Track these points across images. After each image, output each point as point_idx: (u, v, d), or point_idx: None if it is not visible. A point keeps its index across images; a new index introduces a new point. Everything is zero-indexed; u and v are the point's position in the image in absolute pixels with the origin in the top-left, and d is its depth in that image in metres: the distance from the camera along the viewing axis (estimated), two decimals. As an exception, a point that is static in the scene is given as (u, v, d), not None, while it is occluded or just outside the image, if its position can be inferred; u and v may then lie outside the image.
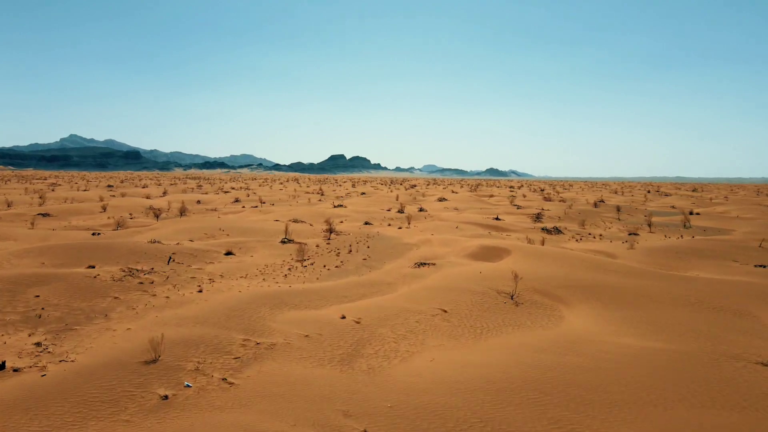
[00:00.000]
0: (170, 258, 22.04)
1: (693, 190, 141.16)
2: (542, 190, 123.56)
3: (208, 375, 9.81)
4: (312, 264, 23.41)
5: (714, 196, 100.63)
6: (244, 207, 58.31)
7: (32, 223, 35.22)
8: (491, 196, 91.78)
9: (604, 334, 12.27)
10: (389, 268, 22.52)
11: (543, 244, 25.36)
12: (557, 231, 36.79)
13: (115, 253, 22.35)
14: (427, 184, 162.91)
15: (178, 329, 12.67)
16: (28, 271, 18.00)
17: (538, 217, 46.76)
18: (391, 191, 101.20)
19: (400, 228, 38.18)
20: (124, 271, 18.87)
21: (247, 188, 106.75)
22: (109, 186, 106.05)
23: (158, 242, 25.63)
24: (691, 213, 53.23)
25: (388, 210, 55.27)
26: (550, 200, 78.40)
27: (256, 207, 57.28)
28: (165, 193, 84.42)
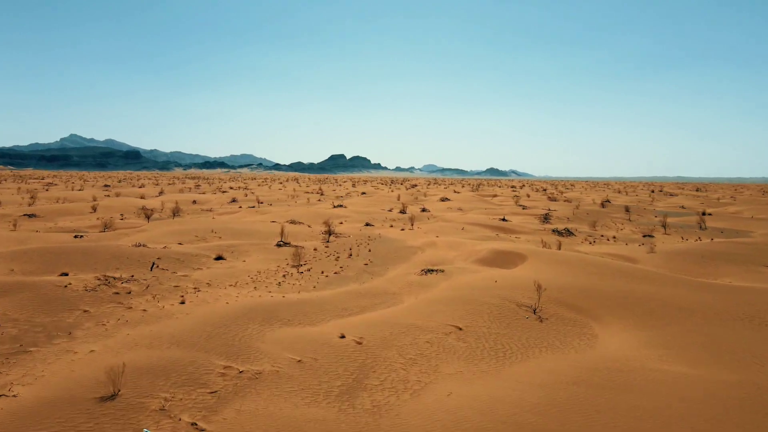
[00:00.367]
0: (153, 264, 20.18)
1: (697, 190, 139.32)
2: (545, 190, 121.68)
3: (175, 418, 7.95)
4: (309, 270, 21.55)
5: (721, 196, 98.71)
6: (240, 207, 56.47)
7: (15, 225, 33.36)
8: (494, 196, 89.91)
9: (651, 360, 10.40)
10: (393, 274, 20.66)
11: (559, 248, 23.50)
12: (569, 233, 34.92)
13: (95, 259, 20.49)
14: (428, 184, 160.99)
15: (149, 352, 10.82)
16: (-9, 279, 16.17)
17: (546, 218, 44.90)
18: (392, 191, 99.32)
19: (402, 229, 36.32)
20: (99, 279, 17.01)
21: (246, 188, 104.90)
22: (105, 186, 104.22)
23: (144, 246, 23.79)
24: (703, 214, 51.36)
25: (390, 210, 53.41)
26: (555, 200, 76.54)
27: (253, 207, 55.42)
28: (161, 192, 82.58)
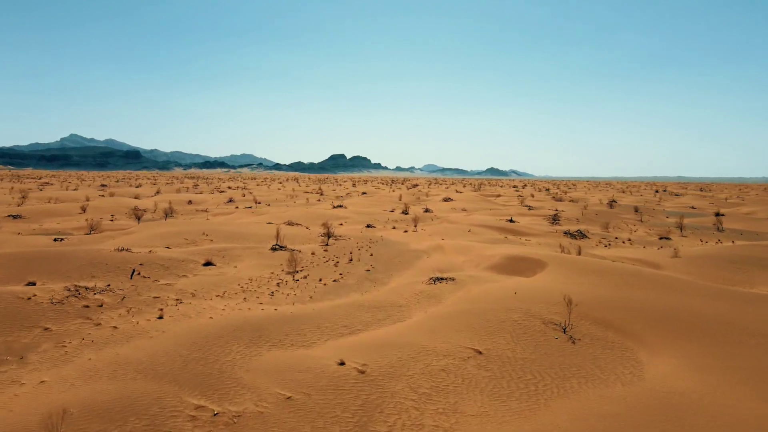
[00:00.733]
0: (134, 271, 18.31)
1: (701, 190, 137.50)
2: (548, 190, 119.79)
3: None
4: (305, 277, 19.67)
5: (728, 196, 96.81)
6: (237, 207, 54.61)
7: (-5, 227, 31.52)
8: (498, 196, 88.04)
9: (721, 396, 8.54)
10: (398, 283, 18.78)
11: (579, 253, 21.61)
12: (581, 235, 33.04)
13: (70, 265, 18.60)
14: (429, 184, 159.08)
15: (108, 386, 8.96)
16: (-55, 291, 14.32)
17: (554, 219, 43.02)
18: (393, 191, 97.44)
19: (406, 231, 34.45)
20: (69, 289, 15.13)
21: (245, 188, 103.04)
22: (102, 185, 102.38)
23: (127, 250, 21.90)
24: (717, 214, 49.47)
25: (392, 211, 51.55)
26: (560, 200, 74.66)
27: (250, 208, 53.56)
28: (158, 192, 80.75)
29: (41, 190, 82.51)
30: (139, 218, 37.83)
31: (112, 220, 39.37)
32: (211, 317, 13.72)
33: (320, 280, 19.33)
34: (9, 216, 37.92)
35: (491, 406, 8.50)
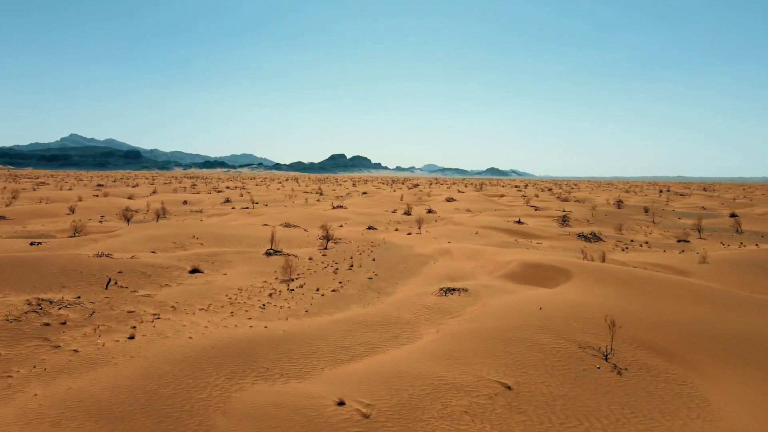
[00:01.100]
0: (110, 280, 16.42)
1: (704, 190, 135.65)
2: (550, 190, 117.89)
3: None
4: (301, 286, 17.79)
5: (735, 197, 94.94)
6: (234, 208, 52.76)
7: (-27, 229, 29.66)
8: (502, 196, 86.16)
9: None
10: (404, 293, 16.90)
11: (603, 260, 19.72)
12: (596, 238, 31.16)
13: (39, 274, 16.72)
14: (430, 184, 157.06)
15: (47, 436, 7.11)
16: None
17: (564, 221, 41.16)
18: (394, 191, 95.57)
19: (409, 234, 32.59)
20: (30, 303, 13.27)
21: (243, 188, 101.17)
22: (99, 185, 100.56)
23: (107, 256, 20.03)
24: (732, 215, 47.61)
25: (393, 211, 49.68)
26: (566, 201, 72.81)
27: (246, 209, 51.70)
28: (154, 192, 78.92)
29: (35, 190, 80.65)
30: (128, 220, 35.98)
31: (100, 222, 37.53)
32: (190, 337, 11.86)
33: (317, 289, 17.46)
34: (-8, 217, 36.07)
35: (532, 468, 6.63)
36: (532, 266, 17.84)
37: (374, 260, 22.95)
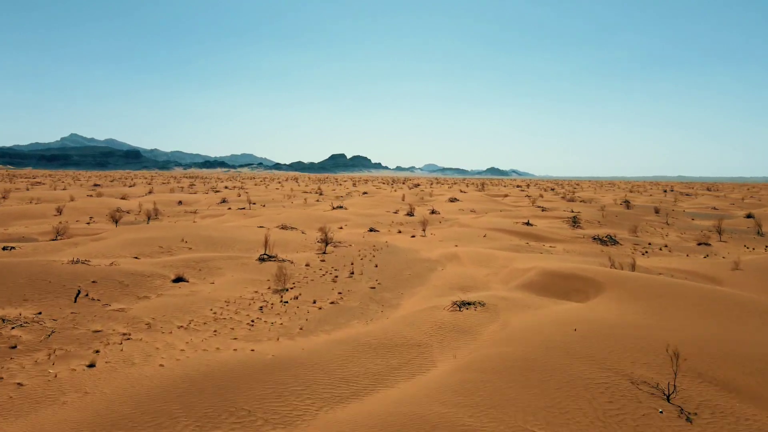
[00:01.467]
0: (79, 292, 14.55)
1: (707, 190, 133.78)
2: (553, 190, 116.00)
3: None
4: (296, 298, 15.91)
5: (743, 196, 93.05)
6: (230, 208, 50.89)
7: (-51, 231, 27.79)
8: (506, 196, 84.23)
9: None
10: (411, 306, 15.02)
11: (634, 268, 17.83)
12: (612, 241, 29.27)
13: (3, 284, 14.85)
14: (431, 184, 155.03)
15: None
16: None
17: (575, 222, 39.27)
18: (395, 191, 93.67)
19: (413, 236, 30.73)
20: (-22, 322, 11.40)
21: (241, 187, 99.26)
22: (95, 185, 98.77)
23: (84, 262, 18.16)
24: (748, 216, 45.73)
25: (395, 212, 47.80)
26: (572, 201, 70.90)
27: (243, 209, 49.83)
28: (150, 192, 77.08)
29: (28, 190, 78.80)
30: (117, 221, 34.12)
31: (89, 223, 35.69)
32: (161, 365, 10.00)
33: (314, 301, 15.58)
34: (-27, 219, 34.21)
35: None
36: (555, 275, 15.93)
37: (377, 266, 21.09)
